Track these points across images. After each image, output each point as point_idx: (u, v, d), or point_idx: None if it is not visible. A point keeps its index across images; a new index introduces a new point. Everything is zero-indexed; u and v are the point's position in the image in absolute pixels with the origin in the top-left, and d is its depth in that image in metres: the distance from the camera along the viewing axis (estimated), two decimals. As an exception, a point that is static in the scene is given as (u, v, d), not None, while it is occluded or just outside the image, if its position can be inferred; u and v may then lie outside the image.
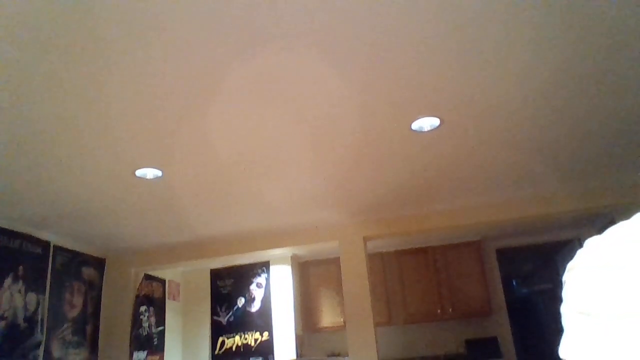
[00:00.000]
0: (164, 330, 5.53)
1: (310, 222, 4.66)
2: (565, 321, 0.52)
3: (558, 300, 0.54)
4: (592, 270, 0.50)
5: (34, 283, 4.01)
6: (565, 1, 1.88)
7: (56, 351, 4.19)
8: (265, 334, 5.58)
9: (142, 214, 3.97)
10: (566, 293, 0.53)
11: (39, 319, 4.03)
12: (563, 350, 0.51)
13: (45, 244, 4.21)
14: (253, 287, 5.80)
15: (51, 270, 4.24)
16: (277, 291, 5.70)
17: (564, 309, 0.53)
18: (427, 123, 2.81)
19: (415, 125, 2.83)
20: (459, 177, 3.76)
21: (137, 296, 5.07)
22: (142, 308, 5.16)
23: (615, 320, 0.46)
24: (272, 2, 1.76)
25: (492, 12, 1.91)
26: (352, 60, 2.16)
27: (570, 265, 0.54)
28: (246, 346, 5.61)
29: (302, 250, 5.59)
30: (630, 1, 1.90)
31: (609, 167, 3.81)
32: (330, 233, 4.84)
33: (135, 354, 4.91)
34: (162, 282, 5.68)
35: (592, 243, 0.53)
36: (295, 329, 5.53)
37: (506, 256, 6.19)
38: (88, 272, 4.78)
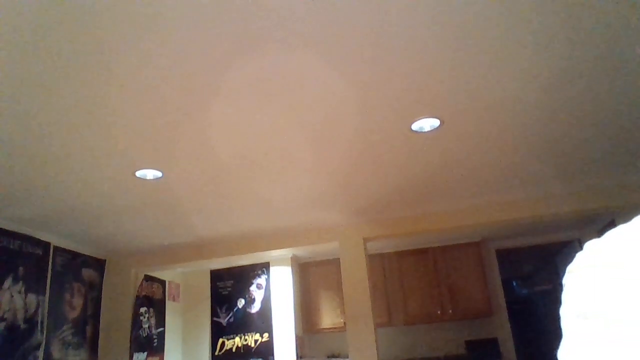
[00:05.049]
0: (164, 331, 5.53)
1: (310, 223, 4.66)
2: (564, 324, 0.52)
3: (558, 301, 0.54)
4: (590, 270, 0.50)
5: (34, 284, 4.01)
6: (564, 3, 1.88)
7: (56, 352, 4.19)
8: (266, 335, 5.57)
9: (142, 214, 3.96)
10: (565, 295, 0.53)
11: (39, 320, 4.02)
12: (562, 353, 0.51)
13: (46, 245, 4.21)
14: (253, 288, 5.80)
15: (51, 271, 4.24)
16: (277, 292, 5.70)
17: (563, 311, 0.53)
18: (427, 123, 2.81)
19: (415, 126, 2.83)
20: (459, 177, 3.76)
21: (137, 297, 5.07)
22: (142, 309, 5.15)
23: (614, 325, 0.45)
24: (272, 2, 1.76)
25: (492, 12, 1.91)
26: (352, 61, 2.16)
27: (569, 268, 0.54)
28: (246, 347, 5.61)
29: (302, 251, 5.59)
30: (630, 0, 1.90)
31: (609, 167, 3.81)
32: (330, 234, 4.84)
33: (135, 355, 4.91)
34: (162, 283, 5.67)
35: (592, 245, 0.53)
36: (296, 330, 5.52)
37: (506, 257, 6.19)
38: (88, 273, 4.78)
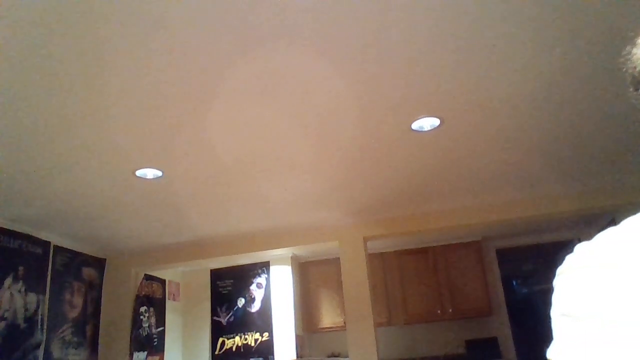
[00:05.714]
0: (164, 330, 5.53)
1: (310, 222, 4.66)
2: (555, 325, 0.52)
3: (551, 303, 0.54)
4: (581, 271, 0.50)
5: (34, 283, 4.01)
6: (564, 3, 1.88)
7: (56, 352, 4.19)
8: (266, 334, 5.58)
9: (142, 214, 3.97)
10: (555, 297, 0.53)
11: (39, 319, 4.02)
12: (552, 354, 0.51)
13: (46, 244, 4.21)
14: (253, 287, 5.80)
15: (51, 270, 4.24)
16: (277, 291, 5.70)
17: (553, 312, 0.53)
18: (427, 123, 2.81)
19: (415, 125, 2.83)
20: (459, 177, 3.76)
21: (137, 296, 5.07)
22: (142, 308, 5.15)
23: (609, 325, 0.46)
24: (272, 2, 1.76)
25: (492, 12, 1.91)
26: (353, 60, 2.16)
27: (559, 270, 0.54)
28: (246, 346, 5.61)
29: (302, 251, 5.59)
30: (629, 1, 1.90)
31: (609, 167, 3.80)
32: (330, 233, 4.84)
33: (136, 355, 4.91)
34: (162, 282, 5.68)
35: (582, 247, 0.53)
36: (295, 329, 5.53)
37: (506, 256, 6.19)
38: (88, 272, 4.78)
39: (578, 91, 2.59)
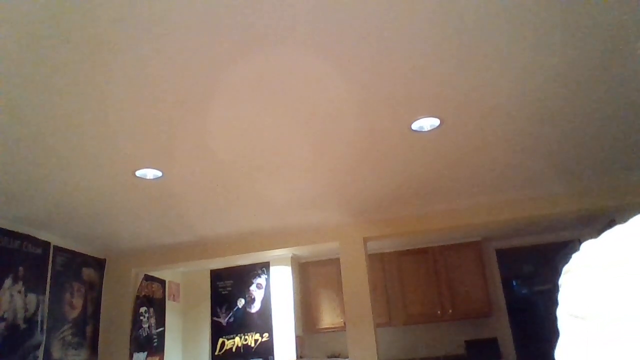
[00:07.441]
0: (164, 331, 5.53)
1: (310, 223, 4.66)
2: (561, 324, 0.52)
3: (557, 301, 0.54)
4: (587, 270, 0.50)
5: (34, 284, 4.01)
6: (564, 3, 1.88)
7: (56, 352, 4.19)
8: (265, 335, 5.57)
9: (142, 214, 3.96)
10: (562, 296, 0.53)
11: (39, 319, 4.02)
12: (558, 353, 0.51)
13: (45, 245, 4.20)
14: (253, 288, 5.79)
15: (51, 270, 4.24)
16: (277, 292, 5.70)
17: (559, 311, 0.53)
18: (427, 123, 2.81)
19: (415, 125, 2.83)
20: (459, 177, 3.76)
21: (137, 297, 5.07)
22: (142, 309, 5.15)
23: (608, 324, 0.46)
24: (272, 2, 1.76)
25: (493, 13, 1.91)
26: (353, 61, 2.16)
27: (566, 268, 0.54)
28: (246, 347, 5.61)
29: (302, 251, 5.59)
30: (629, 3, 1.90)
31: (609, 167, 3.80)
32: (330, 233, 4.84)
33: (135, 355, 4.91)
34: (162, 282, 5.67)
35: (588, 245, 0.53)
36: (295, 330, 5.52)
37: (506, 257, 6.19)
38: (88, 272, 4.77)
39: (578, 91, 2.59)
